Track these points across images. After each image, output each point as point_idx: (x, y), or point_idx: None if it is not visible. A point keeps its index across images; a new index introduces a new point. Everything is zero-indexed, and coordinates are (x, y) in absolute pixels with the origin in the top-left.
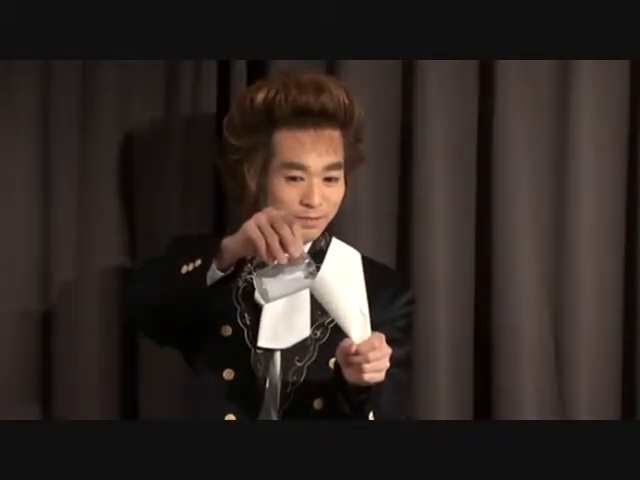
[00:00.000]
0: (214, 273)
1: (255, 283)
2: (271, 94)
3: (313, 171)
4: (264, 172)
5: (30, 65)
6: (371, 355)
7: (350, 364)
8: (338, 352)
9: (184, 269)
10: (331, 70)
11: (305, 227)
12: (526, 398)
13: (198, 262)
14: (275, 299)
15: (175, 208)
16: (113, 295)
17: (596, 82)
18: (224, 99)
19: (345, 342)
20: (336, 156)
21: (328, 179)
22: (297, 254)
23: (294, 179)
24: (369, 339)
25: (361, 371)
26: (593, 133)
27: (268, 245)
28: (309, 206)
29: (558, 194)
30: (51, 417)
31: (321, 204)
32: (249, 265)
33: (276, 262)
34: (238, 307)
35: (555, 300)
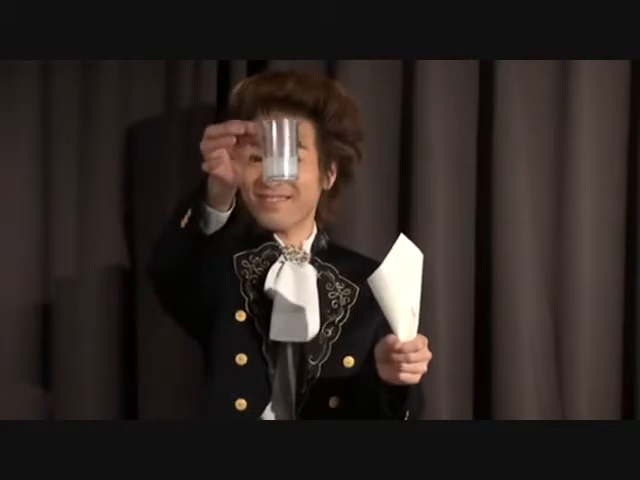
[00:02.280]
0: (216, 217)
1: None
2: (244, 87)
3: None
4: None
5: (30, 65)
6: (413, 356)
7: (389, 360)
8: (379, 347)
9: (182, 223)
10: (331, 70)
11: (266, 210)
12: (526, 398)
13: (189, 212)
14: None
15: (175, 208)
16: (113, 295)
17: (596, 82)
18: (224, 99)
19: (389, 338)
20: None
21: None
22: (250, 126)
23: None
24: (414, 340)
25: (399, 370)
26: (593, 133)
27: (231, 135)
28: (265, 184)
29: (558, 194)
30: (51, 417)
31: (279, 183)
32: (257, 258)
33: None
34: (246, 298)
35: (555, 300)
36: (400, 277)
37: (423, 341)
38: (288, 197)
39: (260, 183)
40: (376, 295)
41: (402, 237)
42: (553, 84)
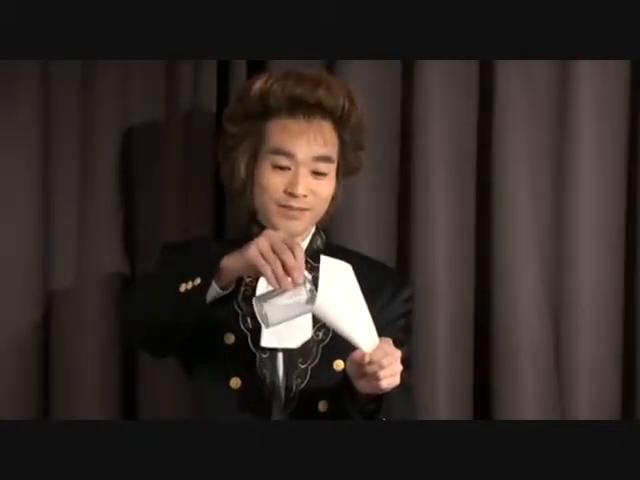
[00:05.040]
0: (214, 292)
1: (255, 307)
2: (268, 83)
3: (300, 160)
4: (253, 159)
5: (30, 65)
6: (385, 361)
7: (364, 374)
8: (350, 365)
9: (182, 287)
10: (331, 70)
11: (286, 218)
12: (526, 398)
13: (197, 281)
14: (275, 324)
15: (175, 208)
16: (113, 294)
17: (596, 82)
18: (224, 99)
19: (356, 354)
20: (326, 148)
21: (316, 172)
22: (301, 279)
23: (281, 168)
24: (380, 346)
25: (377, 379)
26: (593, 133)
27: (273, 271)
28: (292, 195)
29: (558, 194)
30: (51, 417)
31: (306, 196)
32: None
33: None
34: (240, 312)
35: (555, 300)
36: (339, 295)
37: (388, 343)
38: (310, 210)
39: (286, 194)
40: (326, 322)
41: (323, 258)
42: (553, 84)
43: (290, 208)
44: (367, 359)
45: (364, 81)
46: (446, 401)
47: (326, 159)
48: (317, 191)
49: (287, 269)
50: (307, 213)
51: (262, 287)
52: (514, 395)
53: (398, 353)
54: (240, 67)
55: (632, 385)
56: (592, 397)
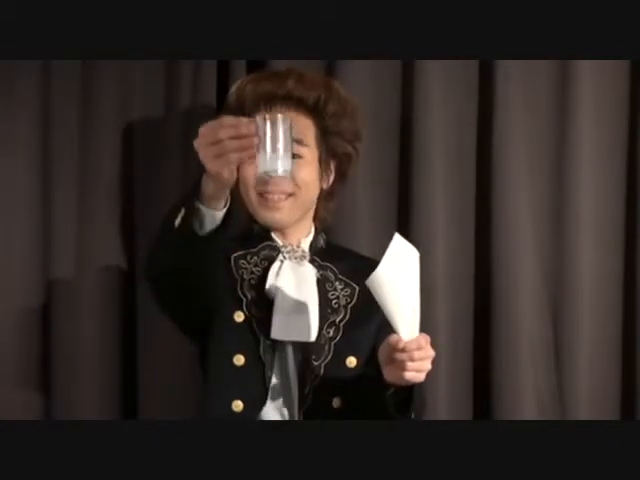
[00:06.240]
0: (210, 217)
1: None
2: (242, 85)
3: None
4: None
5: (30, 65)
6: (416, 354)
7: (393, 360)
8: (382, 348)
9: (176, 222)
10: (331, 70)
11: (268, 209)
12: (526, 398)
13: (182, 212)
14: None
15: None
16: (113, 294)
17: (596, 82)
18: (224, 99)
19: (392, 338)
20: (296, 134)
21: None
22: (246, 128)
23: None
24: (417, 338)
25: (403, 369)
26: (593, 133)
27: (227, 151)
28: (266, 181)
29: (558, 194)
30: (51, 417)
31: (282, 179)
32: (255, 257)
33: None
34: (244, 299)
35: (555, 300)
36: (398, 276)
37: (426, 339)
38: (290, 195)
39: (261, 180)
40: (375, 296)
41: (397, 236)
42: (553, 84)
43: (268, 193)
44: (401, 345)
45: (364, 81)
46: (446, 401)
47: (297, 141)
48: (292, 173)
49: (238, 134)
50: (289, 200)
51: (272, 275)
52: (514, 395)
53: (432, 353)
54: (240, 67)
55: (632, 385)
56: (592, 397)
